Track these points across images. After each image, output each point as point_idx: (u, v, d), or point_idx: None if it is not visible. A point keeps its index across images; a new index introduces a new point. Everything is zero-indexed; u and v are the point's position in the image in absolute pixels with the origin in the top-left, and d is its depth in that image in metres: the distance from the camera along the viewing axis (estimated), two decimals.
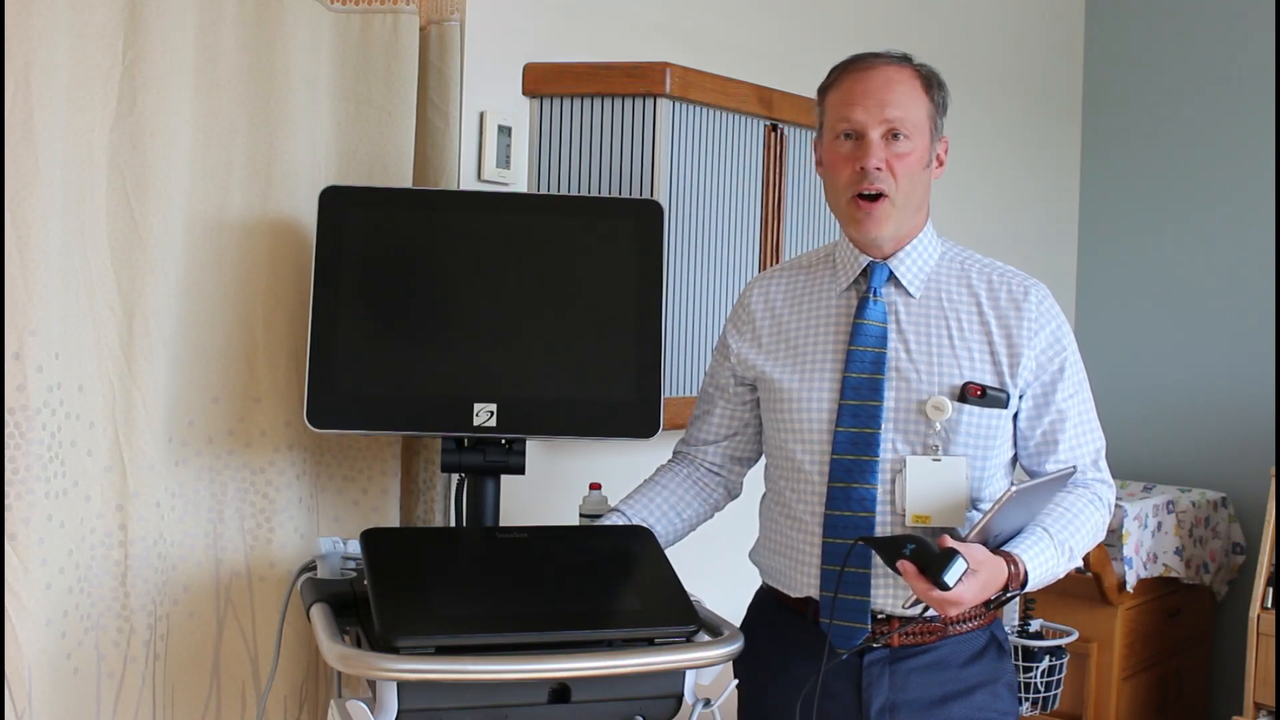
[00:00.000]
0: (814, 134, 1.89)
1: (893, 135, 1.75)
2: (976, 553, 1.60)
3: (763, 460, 1.98)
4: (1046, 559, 1.69)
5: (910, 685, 1.79)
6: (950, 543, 1.58)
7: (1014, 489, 1.61)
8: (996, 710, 1.82)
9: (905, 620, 1.77)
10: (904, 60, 1.81)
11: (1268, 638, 3.15)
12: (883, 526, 1.76)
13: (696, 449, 2.00)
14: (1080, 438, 1.82)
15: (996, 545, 1.68)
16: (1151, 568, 3.34)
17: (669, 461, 2.03)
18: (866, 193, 1.75)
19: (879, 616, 1.78)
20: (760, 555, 1.95)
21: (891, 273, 1.82)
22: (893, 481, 1.76)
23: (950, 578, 1.55)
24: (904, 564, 1.59)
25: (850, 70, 1.80)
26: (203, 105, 1.95)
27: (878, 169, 1.74)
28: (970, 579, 1.57)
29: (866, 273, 1.83)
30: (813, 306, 1.87)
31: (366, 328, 1.92)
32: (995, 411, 1.77)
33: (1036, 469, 1.84)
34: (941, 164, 1.84)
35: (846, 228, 1.83)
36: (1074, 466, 1.79)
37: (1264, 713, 3.15)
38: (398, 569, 1.70)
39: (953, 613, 1.63)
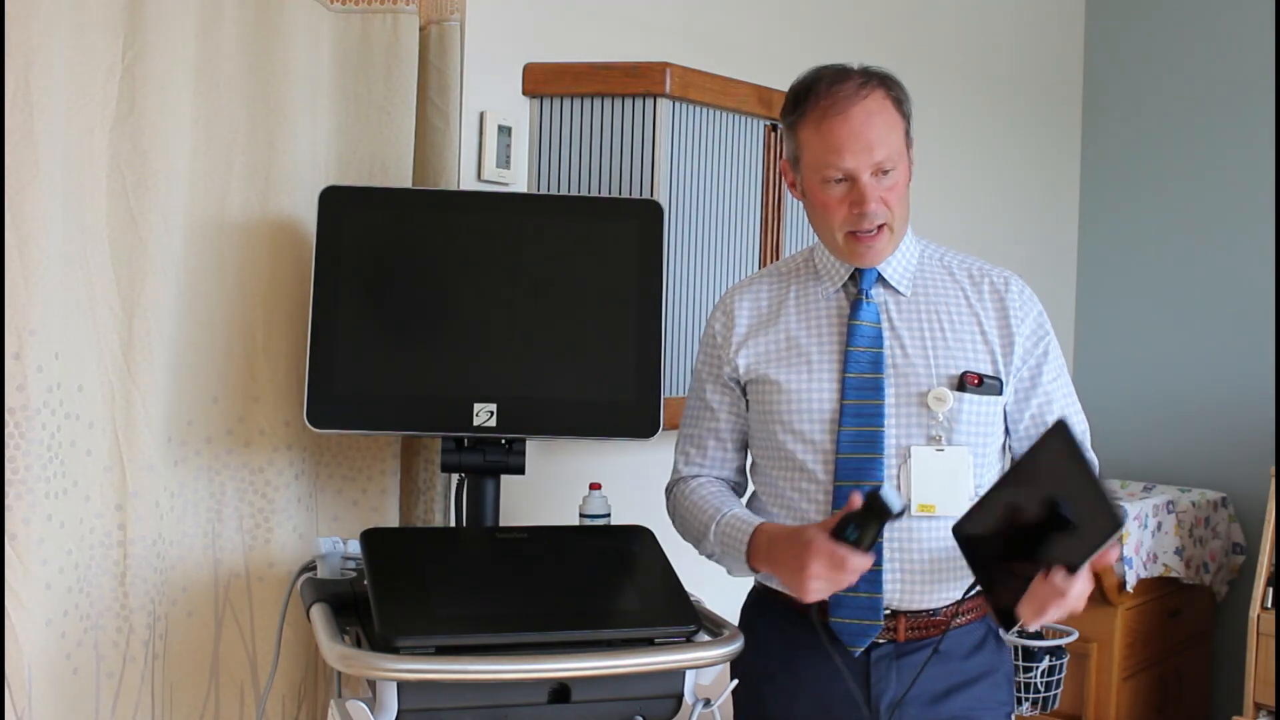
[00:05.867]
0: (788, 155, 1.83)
1: (882, 171, 1.74)
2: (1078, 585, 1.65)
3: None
4: None
5: (917, 679, 1.79)
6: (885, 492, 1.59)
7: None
8: (996, 700, 1.84)
9: (912, 614, 1.78)
10: (872, 82, 1.75)
11: (1268, 638, 3.15)
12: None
13: (712, 473, 1.95)
14: (1068, 419, 1.82)
15: (1061, 519, 1.60)
16: (1151, 568, 3.34)
17: (690, 480, 1.94)
18: (867, 229, 1.75)
19: (885, 612, 1.78)
20: None
21: (879, 274, 1.83)
22: (898, 473, 1.77)
23: (850, 534, 1.60)
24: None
25: (826, 109, 1.72)
26: (203, 105, 1.95)
27: (875, 209, 1.74)
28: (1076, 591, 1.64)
29: (854, 277, 1.84)
30: (803, 309, 1.86)
31: (366, 328, 1.92)
32: (992, 399, 1.80)
33: None
34: (911, 163, 1.83)
35: (843, 257, 1.83)
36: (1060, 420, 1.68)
37: (1264, 713, 3.15)
38: (398, 569, 1.70)
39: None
